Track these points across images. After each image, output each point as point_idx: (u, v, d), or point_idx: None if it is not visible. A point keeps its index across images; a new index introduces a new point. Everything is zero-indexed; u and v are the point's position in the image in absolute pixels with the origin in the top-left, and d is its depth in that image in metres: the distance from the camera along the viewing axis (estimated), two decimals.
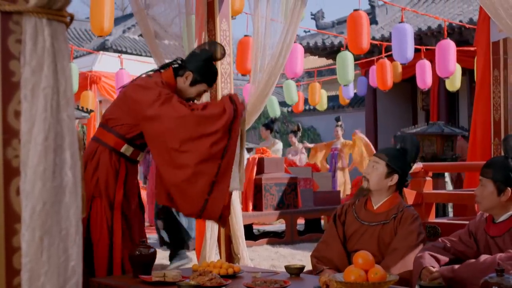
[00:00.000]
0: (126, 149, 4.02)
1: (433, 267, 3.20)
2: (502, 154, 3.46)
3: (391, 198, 3.72)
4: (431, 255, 3.31)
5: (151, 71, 4.22)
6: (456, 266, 3.12)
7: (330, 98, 18.77)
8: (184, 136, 3.77)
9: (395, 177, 3.70)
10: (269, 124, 12.23)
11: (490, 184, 3.27)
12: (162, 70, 4.15)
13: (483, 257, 3.08)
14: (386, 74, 12.14)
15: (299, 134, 13.94)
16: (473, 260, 3.10)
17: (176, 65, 4.16)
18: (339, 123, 13.71)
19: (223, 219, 4.06)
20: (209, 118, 3.81)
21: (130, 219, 4.07)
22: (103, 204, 3.96)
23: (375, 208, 3.74)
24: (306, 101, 17.30)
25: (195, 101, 4.22)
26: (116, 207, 3.98)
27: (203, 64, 4.09)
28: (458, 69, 11.72)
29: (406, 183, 3.87)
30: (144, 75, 4.14)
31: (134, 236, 4.04)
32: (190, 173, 3.78)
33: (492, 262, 2.97)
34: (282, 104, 19.33)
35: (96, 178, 3.97)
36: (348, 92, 14.84)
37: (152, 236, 8.02)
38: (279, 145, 12.29)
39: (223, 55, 4.17)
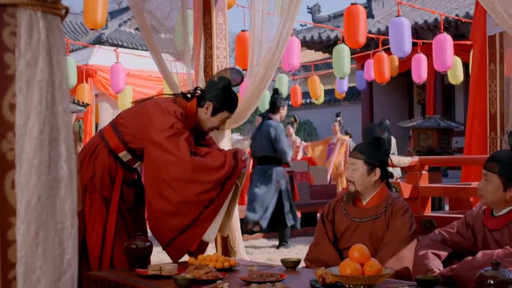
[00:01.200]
0: (124, 155, 4.04)
1: (439, 269, 3.18)
2: (508, 148, 3.43)
3: (379, 191, 3.71)
4: (434, 254, 3.29)
5: (177, 94, 4.22)
6: (454, 266, 3.12)
7: (326, 92, 18.78)
8: (176, 175, 3.80)
9: (377, 171, 3.68)
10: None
11: (496, 179, 3.23)
12: (189, 97, 4.13)
13: (481, 253, 3.06)
14: (383, 67, 12.15)
15: (296, 125, 13.94)
16: (470, 258, 3.09)
17: (198, 94, 4.15)
18: (338, 118, 13.72)
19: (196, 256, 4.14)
20: (206, 168, 3.83)
21: (128, 220, 4.06)
22: (98, 200, 3.96)
23: (364, 203, 3.72)
24: (302, 95, 17.30)
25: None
26: (112, 205, 3.97)
27: (221, 92, 4.07)
28: (458, 62, 11.73)
29: (390, 173, 3.85)
30: (170, 98, 4.14)
31: (131, 235, 4.03)
32: (169, 208, 3.83)
33: (489, 259, 2.95)
34: None
35: (92, 173, 3.97)
36: (342, 86, 14.84)
37: None
38: None
39: (242, 79, 4.18)
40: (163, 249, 3.98)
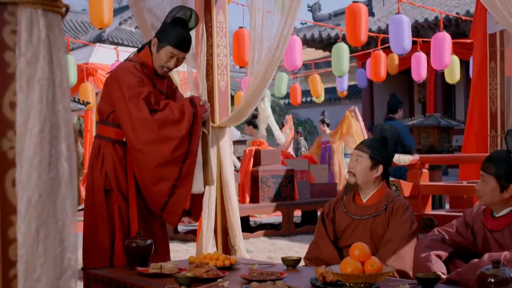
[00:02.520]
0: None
1: (443, 273, 3.17)
2: (504, 148, 3.42)
3: (379, 189, 3.71)
4: (436, 255, 3.28)
5: (131, 54, 4.19)
6: (460, 269, 3.11)
7: (327, 90, 18.77)
8: (144, 138, 3.80)
9: (380, 168, 3.69)
10: (251, 120, 12.20)
11: (493, 180, 3.22)
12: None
13: (487, 256, 3.04)
14: (380, 66, 12.13)
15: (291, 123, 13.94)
16: (477, 260, 3.07)
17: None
18: (321, 117, 13.72)
19: (195, 215, 4.13)
20: (169, 122, 3.82)
21: (146, 213, 4.01)
22: (116, 196, 3.93)
23: (364, 201, 3.72)
24: (302, 93, 17.29)
25: (177, 84, 4.24)
26: (130, 199, 3.94)
27: (165, 26, 4.01)
28: (456, 61, 11.73)
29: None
30: (128, 58, 4.13)
31: (153, 229, 4.03)
32: (150, 175, 3.83)
33: None
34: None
35: (104, 172, 3.93)
36: (342, 84, 14.83)
37: None
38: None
39: (191, 17, 4.04)
40: (159, 217, 3.98)
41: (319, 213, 9.71)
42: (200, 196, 4.11)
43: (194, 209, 4.04)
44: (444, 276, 3.15)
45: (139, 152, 3.83)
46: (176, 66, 4.08)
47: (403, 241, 3.52)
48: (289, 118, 13.64)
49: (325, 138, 13.61)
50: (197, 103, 3.92)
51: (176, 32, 3.96)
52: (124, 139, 3.97)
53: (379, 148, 3.70)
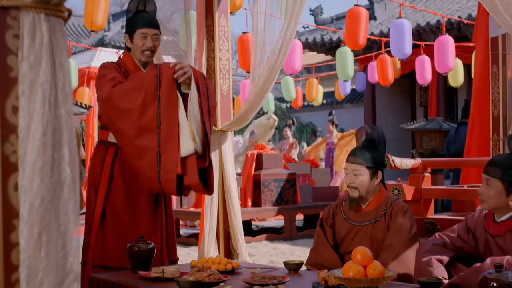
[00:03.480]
0: (111, 136, 4.02)
1: (444, 278, 3.16)
2: (507, 152, 3.41)
3: (378, 194, 3.69)
4: (438, 260, 3.28)
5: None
6: (462, 274, 3.10)
7: (329, 94, 18.77)
8: (113, 117, 3.83)
9: (379, 174, 3.67)
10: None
11: (498, 184, 3.21)
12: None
13: (489, 260, 3.03)
14: (387, 69, 12.12)
15: (294, 128, 13.96)
16: (479, 265, 3.07)
17: None
18: (330, 117, 13.71)
19: (209, 187, 3.98)
20: (128, 91, 3.80)
21: (117, 207, 3.98)
22: (90, 191, 4.01)
23: (363, 207, 3.70)
24: (304, 97, 17.30)
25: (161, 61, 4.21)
26: (100, 191, 3.97)
27: (127, 20, 4.15)
28: (459, 65, 11.72)
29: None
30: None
31: (122, 224, 3.97)
32: (134, 151, 3.81)
33: None
34: (281, 99, 19.33)
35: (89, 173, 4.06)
36: (344, 88, 14.83)
37: None
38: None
39: (145, 2, 4.12)
40: (161, 191, 3.93)
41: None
42: (193, 160, 3.90)
43: (189, 173, 3.86)
44: (446, 281, 3.14)
45: (117, 133, 3.86)
46: (154, 45, 4.09)
47: (404, 245, 3.51)
48: (287, 135, 13.63)
49: (331, 139, 13.61)
50: (162, 65, 3.86)
51: (139, 15, 4.08)
52: (108, 139, 4.03)
53: (372, 154, 3.65)
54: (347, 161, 3.73)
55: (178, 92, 3.85)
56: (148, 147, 3.75)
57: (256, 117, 10.70)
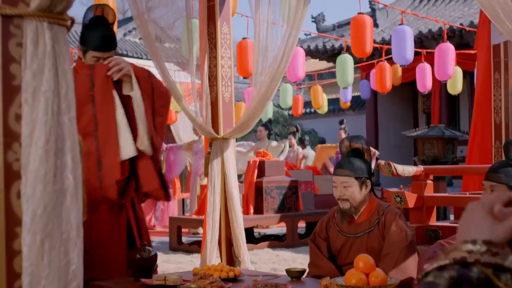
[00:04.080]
0: None
1: None
2: (504, 158, 3.40)
3: (369, 203, 3.66)
4: None
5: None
6: None
7: (331, 101, 18.76)
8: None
9: (368, 183, 3.64)
10: (267, 124, 12.24)
11: (504, 189, 3.20)
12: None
13: None
14: (385, 77, 12.13)
15: (298, 135, 13.94)
16: None
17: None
18: (343, 126, 13.72)
19: (168, 193, 3.82)
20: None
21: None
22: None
23: (356, 218, 3.68)
24: (306, 104, 17.29)
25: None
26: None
27: (83, 30, 3.82)
28: (459, 72, 11.72)
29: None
30: None
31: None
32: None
33: None
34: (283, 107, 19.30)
35: None
36: (346, 95, 14.83)
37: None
38: (279, 145, 12.34)
39: (103, 12, 3.86)
40: (105, 198, 3.65)
41: None
42: (148, 166, 3.73)
43: (146, 181, 3.67)
44: None
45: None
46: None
47: (401, 253, 3.49)
48: (292, 142, 13.63)
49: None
50: (97, 64, 3.70)
51: (94, 33, 3.78)
52: None
53: (358, 164, 3.63)
54: (334, 174, 3.69)
55: (115, 91, 3.67)
56: (89, 151, 3.54)
57: (257, 125, 10.70)
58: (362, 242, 3.62)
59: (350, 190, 3.58)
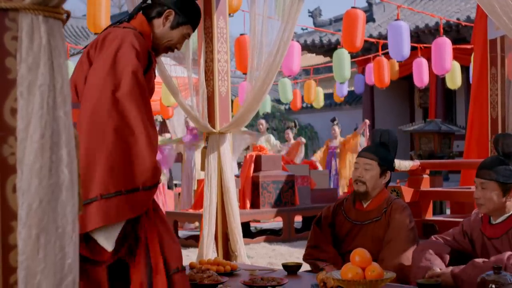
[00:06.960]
0: None
1: (441, 269, 3.16)
2: (495, 153, 3.41)
3: (380, 194, 3.70)
4: (436, 253, 3.27)
5: (116, 22, 3.08)
6: (463, 266, 3.09)
7: (327, 96, 18.77)
8: None
9: (388, 174, 3.69)
10: (267, 117, 12.29)
11: (495, 185, 3.20)
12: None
13: (494, 258, 3.03)
14: (383, 71, 12.14)
15: (295, 130, 13.95)
16: (482, 261, 3.05)
17: (145, 4, 3.06)
18: (335, 122, 13.73)
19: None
20: None
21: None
22: None
23: (365, 206, 3.71)
24: (303, 99, 17.30)
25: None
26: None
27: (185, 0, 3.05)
28: (457, 67, 11.74)
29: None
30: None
31: None
32: None
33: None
34: (279, 101, 19.33)
35: None
36: (342, 90, 14.84)
37: None
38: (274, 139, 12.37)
39: None
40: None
41: None
42: None
43: None
44: (439, 270, 3.13)
45: None
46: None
47: (403, 242, 3.52)
48: (289, 137, 13.65)
49: (333, 144, 13.61)
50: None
51: (196, 8, 3.10)
52: None
53: (385, 154, 3.69)
54: (359, 155, 3.76)
55: None
56: None
57: (254, 119, 10.71)
58: (368, 231, 3.65)
59: (370, 174, 3.63)
